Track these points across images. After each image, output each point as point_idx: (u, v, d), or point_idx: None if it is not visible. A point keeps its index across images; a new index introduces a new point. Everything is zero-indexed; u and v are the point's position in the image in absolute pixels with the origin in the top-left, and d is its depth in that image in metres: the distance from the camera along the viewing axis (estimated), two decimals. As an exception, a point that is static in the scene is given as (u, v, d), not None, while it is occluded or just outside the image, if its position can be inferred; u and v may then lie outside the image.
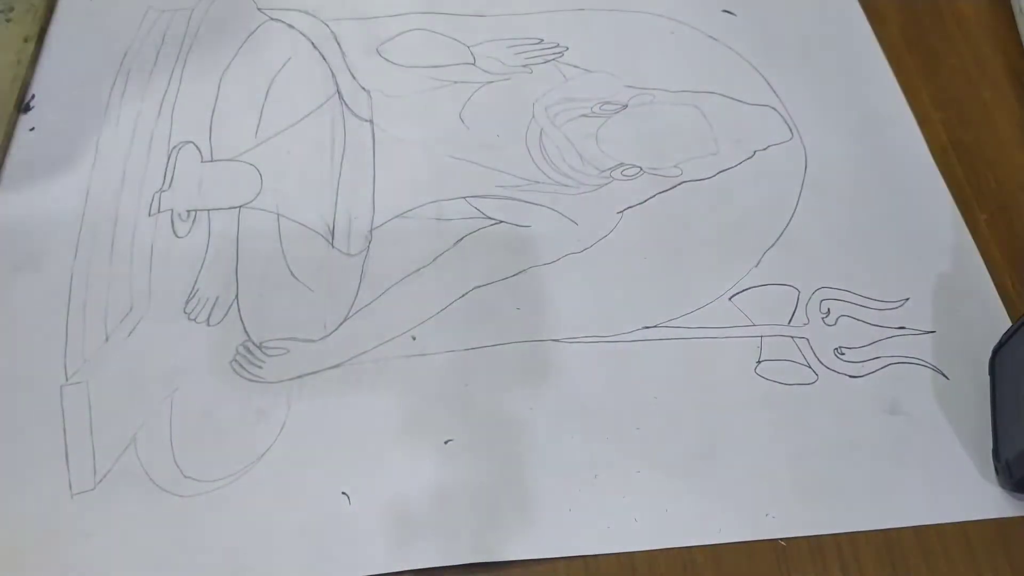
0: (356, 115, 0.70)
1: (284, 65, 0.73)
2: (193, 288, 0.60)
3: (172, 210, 0.64)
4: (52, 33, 0.73)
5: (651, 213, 0.65)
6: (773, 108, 0.72)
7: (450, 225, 0.64)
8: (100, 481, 0.53)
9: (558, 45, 0.76)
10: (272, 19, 0.77)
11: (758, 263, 0.63)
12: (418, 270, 0.62)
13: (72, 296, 0.60)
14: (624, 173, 0.67)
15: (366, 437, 0.55)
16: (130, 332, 0.59)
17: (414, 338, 0.59)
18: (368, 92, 0.72)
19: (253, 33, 0.76)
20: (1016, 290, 0.62)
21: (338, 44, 0.75)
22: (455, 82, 0.73)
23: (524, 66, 0.74)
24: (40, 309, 0.59)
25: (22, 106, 0.69)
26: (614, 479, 0.53)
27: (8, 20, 0.73)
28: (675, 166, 0.68)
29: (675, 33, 0.78)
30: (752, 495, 0.53)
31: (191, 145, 0.67)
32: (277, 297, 0.60)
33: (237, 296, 0.60)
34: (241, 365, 0.57)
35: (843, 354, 0.59)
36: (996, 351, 0.57)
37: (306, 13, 0.77)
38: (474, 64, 0.74)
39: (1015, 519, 0.53)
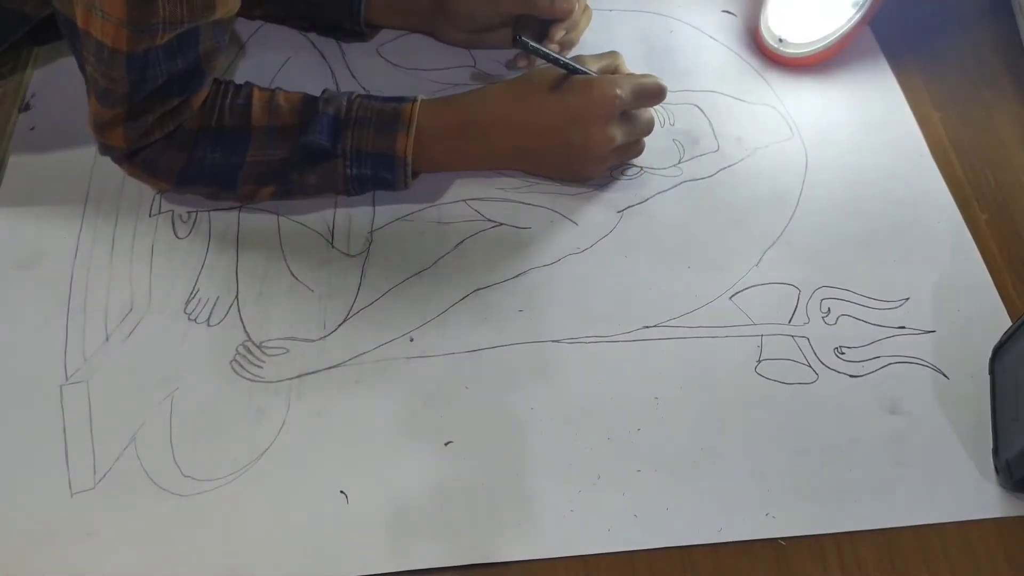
0: (356, 115, 0.70)
1: (284, 64, 0.73)
2: (193, 288, 0.61)
3: (173, 211, 0.64)
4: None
5: (651, 213, 0.65)
6: (773, 107, 0.72)
7: (450, 228, 0.64)
8: (100, 480, 0.53)
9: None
10: (272, 20, 0.77)
11: (758, 262, 0.63)
12: (419, 272, 0.62)
13: (72, 296, 0.60)
14: (624, 173, 0.67)
15: (365, 437, 0.55)
16: (130, 332, 0.59)
17: (412, 339, 0.59)
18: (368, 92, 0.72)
19: (254, 33, 0.76)
20: (1016, 290, 0.62)
21: (338, 44, 0.75)
22: (455, 84, 0.73)
23: (524, 66, 0.74)
24: (40, 308, 0.59)
25: (22, 106, 0.70)
26: (615, 479, 0.53)
27: (9, 21, 0.73)
28: (675, 166, 0.68)
29: (675, 32, 0.78)
30: (752, 494, 0.53)
31: (191, 145, 0.67)
32: (277, 297, 0.60)
33: (237, 296, 0.60)
34: (241, 365, 0.57)
35: (843, 353, 0.59)
36: (996, 350, 0.57)
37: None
38: (474, 66, 0.74)
39: (1015, 519, 0.53)
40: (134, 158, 0.59)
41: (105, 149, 0.59)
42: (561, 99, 0.61)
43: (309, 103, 0.61)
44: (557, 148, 0.63)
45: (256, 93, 0.61)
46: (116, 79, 0.53)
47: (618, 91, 0.60)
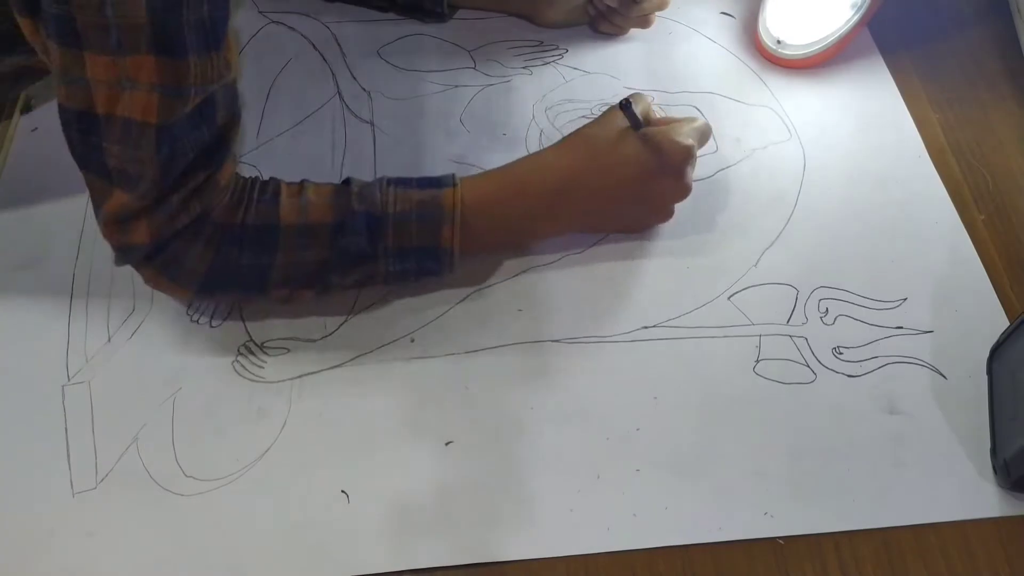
0: (357, 116, 0.71)
1: (285, 66, 0.74)
2: (195, 289, 0.61)
3: (174, 212, 0.64)
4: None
5: (650, 214, 0.66)
6: (771, 109, 0.72)
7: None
8: (102, 480, 0.53)
9: (558, 47, 0.76)
10: (273, 22, 0.77)
11: (757, 263, 0.63)
12: (419, 272, 0.62)
13: (74, 296, 0.60)
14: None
15: (366, 437, 0.55)
16: (132, 333, 0.59)
17: (412, 340, 0.59)
18: (369, 93, 0.72)
19: (255, 36, 0.76)
20: (1014, 290, 0.62)
21: (339, 46, 0.75)
22: (456, 85, 0.73)
23: (524, 68, 0.74)
24: (42, 309, 0.59)
25: (23, 107, 0.70)
26: (614, 479, 0.53)
27: (10, 23, 0.73)
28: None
29: (673, 34, 0.78)
30: (751, 494, 0.53)
31: (192, 147, 0.67)
32: (278, 297, 0.61)
33: (238, 297, 0.61)
34: (242, 365, 0.58)
35: (841, 353, 0.59)
36: (994, 350, 0.57)
37: (307, 16, 0.78)
38: (474, 68, 0.75)
39: (1013, 518, 0.53)
40: (156, 258, 0.54)
41: (124, 254, 0.54)
42: (636, 156, 0.59)
43: (341, 196, 0.56)
44: (633, 202, 0.61)
45: (284, 189, 0.56)
46: (145, 160, 0.50)
47: (690, 142, 0.59)
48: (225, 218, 0.54)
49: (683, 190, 0.61)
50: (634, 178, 0.60)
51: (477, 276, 0.62)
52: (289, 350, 0.58)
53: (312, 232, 0.55)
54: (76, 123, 0.50)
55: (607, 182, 0.60)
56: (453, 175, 0.58)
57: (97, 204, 0.53)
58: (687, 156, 0.59)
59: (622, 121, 0.59)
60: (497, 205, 0.59)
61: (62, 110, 0.50)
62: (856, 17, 0.71)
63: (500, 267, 0.62)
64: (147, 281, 0.56)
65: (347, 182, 0.57)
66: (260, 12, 0.78)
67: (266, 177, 0.57)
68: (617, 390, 0.57)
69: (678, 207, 0.63)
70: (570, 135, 0.61)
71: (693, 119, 0.62)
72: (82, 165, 0.52)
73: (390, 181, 0.57)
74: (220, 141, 0.53)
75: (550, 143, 0.61)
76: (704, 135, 0.61)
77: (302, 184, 0.57)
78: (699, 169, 0.67)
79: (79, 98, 0.49)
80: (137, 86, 0.48)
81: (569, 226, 0.62)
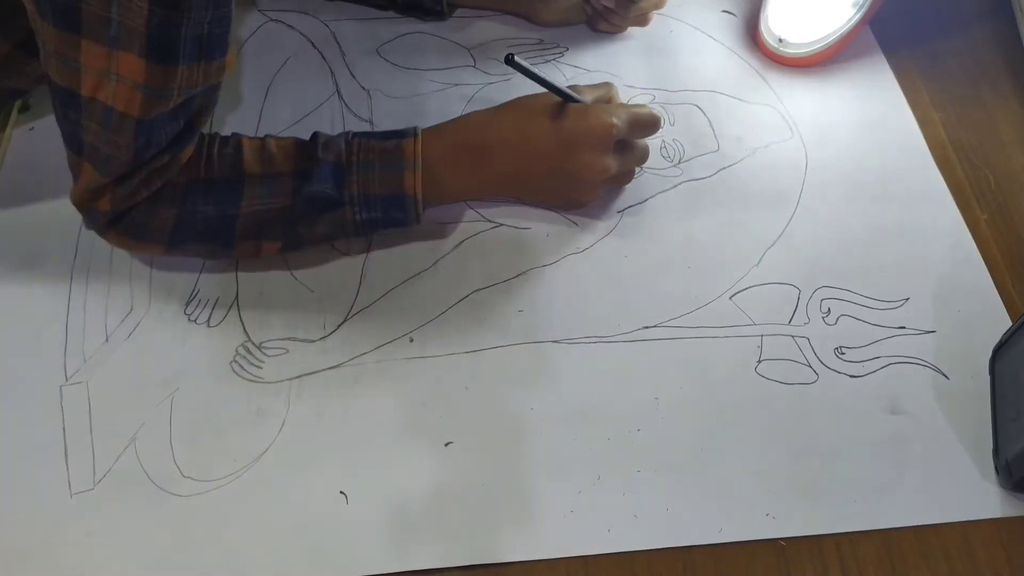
0: (356, 114, 0.70)
1: (284, 65, 0.73)
2: (194, 289, 0.61)
3: (172, 211, 0.64)
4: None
5: (651, 213, 0.65)
6: (773, 107, 0.72)
7: (450, 228, 0.64)
8: (100, 481, 0.53)
9: (558, 45, 0.76)
10: (272, 20, 0.77)
11: (758, 262, 0.63)
12: (418, 273, 0.62)
13: (72, 296, 0.60)
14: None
15: (365, 437, 0.55)
16: (130, 333, 0.59)
17: (412, 340, 0.59)
18: (368, 92, 0.72)
19: (254, 33, 0.76)
20: (1016, 289, 0.62)
21: (338, 44, 0.75)
22: (455, 84, 0.73)
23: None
24: (40, 309, 0.59)
25: (21, 106, 0.70)
26: (615, 479, 0.53)
27: (8, 21, 0.72)
28: (675, 165, 0.68)
29: (675, 32, 0.78)
30: (752, 495, 0.53)
31: (191, 145, 0.67)
32: (277, 298, 0.60)
33: (237, 297, 0.60)
34: (241, 366, 0.57)
35: (843, 354, 0.59)
36: (996, 351, 0.57)
37: (306, 14, 0.77)
38: (474, 66, 0.74)
39: (1015, 519, 0.53)
40: (119, 224, 0.56)
41: (90, 220, 0.57)
42: (557, 126, 0.59)
43: (303, 148, 0.58)
44: (551, 174, 0.61)
45: (245, 142, 0.58)
46: (121, 146, 0.52)
47: (614, 120, 0.59)
48: (187, 176, 0.56)
49: (603, 168, 0.61)
50: (556, 149, 0.60)
51: (477, 276, 0.62)
52: (288, 350, 0.58)
53: (275, 181, 0.57)
54: (60, 97, 0.52)
55: (532, 147, 0.60)
56: (415, 127, 0.60)
57: (74, 175, 0.55)
58: (606, 132, 0.59)
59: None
60: (450, 157, 0.60)
61: (50, 81, 0.51)
62: (858, 16, 0.71)
63: (500, 267, 0.62)
64: (116, 246, 0.58)
65: (314, 136, 0.59)
66: (259, 10, 0.78)
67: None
68: (618, 390, 0.57)
69: (679, 204, 0.62)
70: (508, 101, 0.62)
71: (640, 106, 0.63)
72: (63, 136, 0.54)
73: (355, 134, 0.59)
74: (190, 127, 0.55)
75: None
76: (641, 123, 0.61)
77: (263, 139, 0.59)
78: (700, 168, 0.68)
79: (68, 78, 0.50)
80: (123, 80, 0.49)
81: (505, 188, 0.64)
